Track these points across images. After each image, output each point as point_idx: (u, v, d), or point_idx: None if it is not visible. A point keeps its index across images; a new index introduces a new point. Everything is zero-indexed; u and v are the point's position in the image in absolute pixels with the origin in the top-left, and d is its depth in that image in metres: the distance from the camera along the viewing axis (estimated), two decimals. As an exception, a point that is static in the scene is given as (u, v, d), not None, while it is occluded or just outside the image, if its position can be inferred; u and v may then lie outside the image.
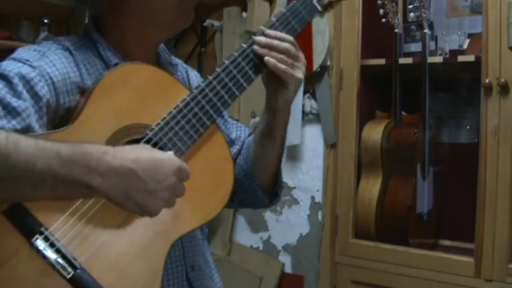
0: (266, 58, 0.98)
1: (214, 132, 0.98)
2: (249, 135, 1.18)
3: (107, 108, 0.88)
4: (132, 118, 0.90)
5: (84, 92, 0.93)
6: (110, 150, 0.80)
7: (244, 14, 2.54)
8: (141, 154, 0.82)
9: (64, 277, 0.78)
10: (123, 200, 0.80)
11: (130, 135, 0.89)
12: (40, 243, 0.77)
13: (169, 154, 0.85)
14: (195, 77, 1.18)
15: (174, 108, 0.92)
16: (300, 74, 1.01)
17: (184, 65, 1.18)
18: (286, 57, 0.99)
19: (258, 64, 1.00)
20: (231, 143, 1.16)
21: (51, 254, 0.78)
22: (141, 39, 1.00)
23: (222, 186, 0.97)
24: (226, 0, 2.59)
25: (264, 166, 1.11)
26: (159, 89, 0.94)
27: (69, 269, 0.78)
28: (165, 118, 0.91)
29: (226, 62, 0.98)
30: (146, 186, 0.80)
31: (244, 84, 0.99)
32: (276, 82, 1.02)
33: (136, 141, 0.89)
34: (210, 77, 0.96)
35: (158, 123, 0.91)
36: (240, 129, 1.19)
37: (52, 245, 0.78)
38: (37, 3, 2.92)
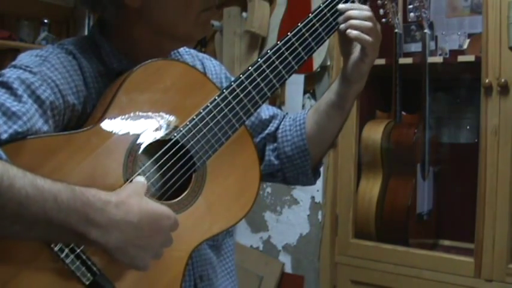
0: (345, 24, 0.99)
1: (242, 134, 0.94)
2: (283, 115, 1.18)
3: (133, 107, 0.86)
4: (159, 118, 0.87)
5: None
6: (112, 200, 0.76)
7: (244, 14, 2.54)
8: (142, 207, 0.79)
9: (83, 283, 0.78)
10: (115, 250, 0.77)
11: (156, 136, 0.87)
12: (60, 249, 0.77)
13: (166, 208, 0.82)
14: (212, 67, 1.13)
15: (203, 109, 0.90)
16: (378, 44, 1.01)
17: (200, 56, 1.14)
18: (367, 25, 0.99)
19: (297, 56, 0.98)
20: (267, 121, 1.14)
21: (71, 260, 0.77)
22: (154, 49, 0.96)
23: (246, 191, 0.94)
24: (226, 0, 2.59)
25: (322, 140, 1.11)
26: (188, 88, 0.91)
27: (88, 275, 0.78)
28: (193, 119, 0.89)
29: (260, 60, 0.95)
30: (142, 242, 0.78)
31: (276, 84, 0.96)
32: (350, 48, 1.02)
33: (163, 142, 0.88)
34: (242, 76, 0.93)
35: (186, 125, 0.88)
36: (269, 108, 1.17)
37: (72, 251, 0.78)
38: (37, 3, 2.92)
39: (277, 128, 1.15)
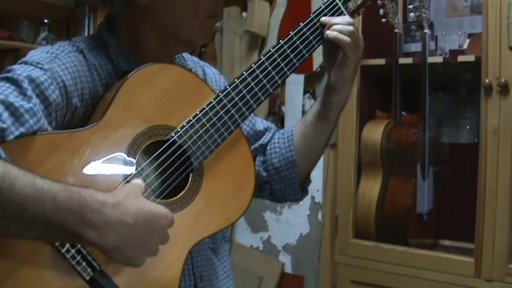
0: (327, 29, 1.01)
1: (237, 136, 0.97)
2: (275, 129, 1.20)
3: (132, 108, 0.88)
4: (157, 119, 0.89)
5: (109, 90, 0.92)
6: (109, 201, 0.76)
7: (244, 14, 2.54)
8: (139, 208, 0.78)
9: (83, 278, 0.78)
10: (112, 250, 0.77)
11: (154, 137, 0.89)
12: (61, 244, 0.77)
13: (163, 208, 0.82)
14: (212, 75, 1.16)
15: (200, 111, 0.92)
16: (359, 50, 1.03)
17: (201, 63, 1.16)
18: (348, 29, 1.01)
19: (292, 60, 1.00)
20: (261, 133, 1.16)
21: (71, 255, 0.78)
22: (158, 50, 0.98)
23: (243, 191, 0.96)
24: (226, 0, 2.59)
25: (309, 152, 1.11)
26: (185, 91, 0.93)
27: (89, 270, 0.79)
28: (190, 120, 0.91)
29: (253, 65, 0.98)
30: (139, 242, 0.78)
31: (269, 88, 0.99)
32: (335, 58, 1.04)
33: (160, 142, 0.89)
34: (237, 80, 0.96)
35: (183, 126, 0.91)
36: (263, 121, 1.19)
37: (73, 246, 0.78)
38: (37, 3, 2.93)
39: (269, 140, 1.16)
